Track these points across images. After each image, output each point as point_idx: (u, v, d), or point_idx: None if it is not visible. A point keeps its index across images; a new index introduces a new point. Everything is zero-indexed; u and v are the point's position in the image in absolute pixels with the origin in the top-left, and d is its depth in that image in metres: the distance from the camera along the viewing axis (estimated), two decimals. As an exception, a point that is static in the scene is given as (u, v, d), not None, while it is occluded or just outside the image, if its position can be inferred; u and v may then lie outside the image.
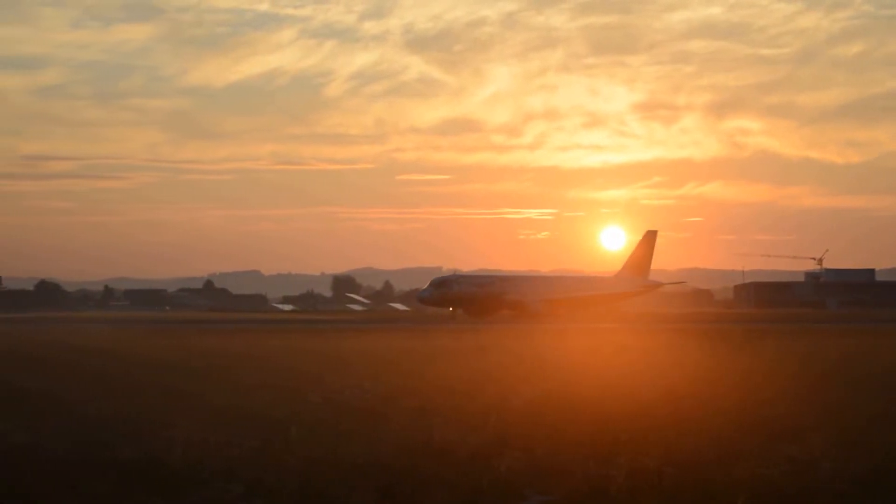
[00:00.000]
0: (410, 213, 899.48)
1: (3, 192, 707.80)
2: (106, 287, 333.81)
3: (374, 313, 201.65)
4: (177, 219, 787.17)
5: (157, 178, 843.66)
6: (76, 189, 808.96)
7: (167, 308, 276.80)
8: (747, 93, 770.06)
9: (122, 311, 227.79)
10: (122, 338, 60.62)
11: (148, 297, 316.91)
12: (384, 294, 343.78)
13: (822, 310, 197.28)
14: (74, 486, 14.32)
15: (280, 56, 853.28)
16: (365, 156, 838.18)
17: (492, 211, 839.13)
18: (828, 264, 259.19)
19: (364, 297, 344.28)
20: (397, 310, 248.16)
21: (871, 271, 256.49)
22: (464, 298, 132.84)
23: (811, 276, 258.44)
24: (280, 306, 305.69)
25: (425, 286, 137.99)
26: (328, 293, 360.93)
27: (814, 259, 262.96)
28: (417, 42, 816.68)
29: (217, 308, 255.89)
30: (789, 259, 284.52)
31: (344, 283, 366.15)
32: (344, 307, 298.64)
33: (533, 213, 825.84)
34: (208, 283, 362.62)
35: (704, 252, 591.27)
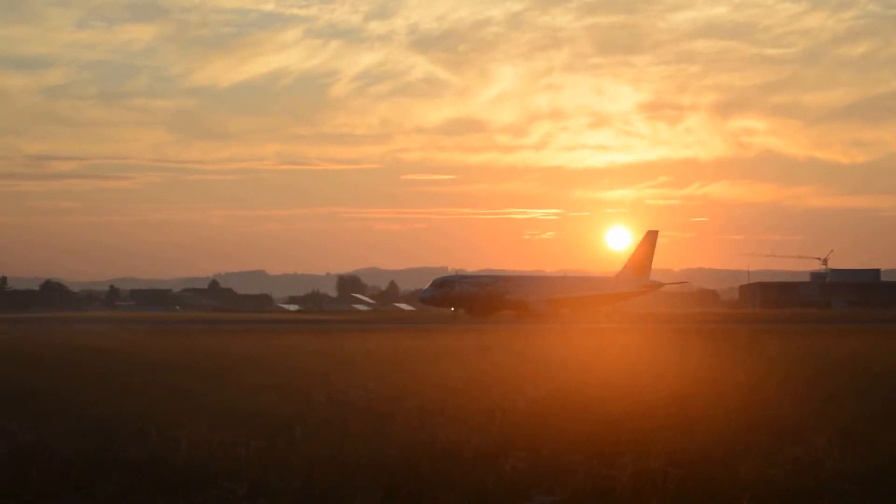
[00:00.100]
0: (415, 213, 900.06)
1: (8, 192, 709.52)
2: (111, 287, 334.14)
3: (380, 313, 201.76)
4: (182, 219, 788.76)
5: (162, 179, 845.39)
6: (81, 189, 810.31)
7: (178, 308, 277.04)
8: (753, 93, 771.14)
9: (128, 311, 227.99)
10: (127, 338, 60.66)
11: (153, 297, 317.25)
12: (389, 294, 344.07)
13: (828, 310, 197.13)
14: (79, 486, 14.34)
15: (285, 56, 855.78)
16: (370, 156, 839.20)
17: (497, 211, 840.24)
18: (833, 264, 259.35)
19: (369, 297, 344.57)
20: (402, 310, 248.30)
21: (877, 271, 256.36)
22: (465, 298, 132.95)
23: (817, 276, 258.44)
24: (285, 306, 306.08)
25: (426, 286, 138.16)
26: (333, 293, 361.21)
27: (819, 259, 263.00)
28: (422, 42, 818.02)
29: (222, 308, 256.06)
30: (795, 259, 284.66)
31: (349, 284, 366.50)
32: (349, 307, 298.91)
33: (538, 214, 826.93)
34: (213, 283, 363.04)
35: (710, 252, 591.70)
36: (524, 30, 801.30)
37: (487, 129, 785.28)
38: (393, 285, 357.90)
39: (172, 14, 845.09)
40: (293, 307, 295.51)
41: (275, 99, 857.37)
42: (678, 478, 14.42)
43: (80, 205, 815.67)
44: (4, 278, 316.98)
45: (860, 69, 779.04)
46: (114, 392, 25.98)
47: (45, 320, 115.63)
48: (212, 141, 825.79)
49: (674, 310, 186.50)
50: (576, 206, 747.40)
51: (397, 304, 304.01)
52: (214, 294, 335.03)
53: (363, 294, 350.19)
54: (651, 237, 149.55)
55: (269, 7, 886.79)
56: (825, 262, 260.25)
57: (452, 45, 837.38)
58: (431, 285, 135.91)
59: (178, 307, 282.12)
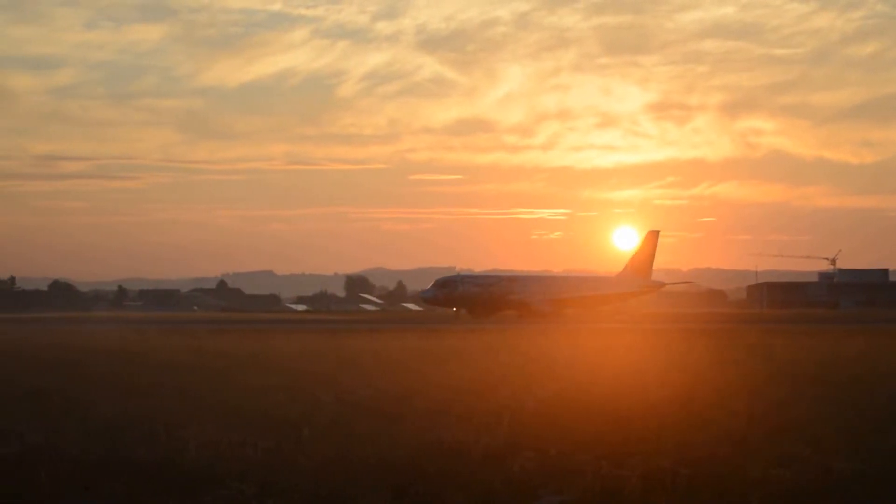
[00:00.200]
0: (423, 214, 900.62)
1: (16, 192, 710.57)
2: (119, 287, 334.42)
3: (387, 313, 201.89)
4: (189, 219, 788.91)
5: (170, 179, 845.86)
6: (89, 189, 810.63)
7: (195, 308, 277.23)
8: (761, 93, 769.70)
9: (139, 311, 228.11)
10: (136, 338, 60.72)
11: (161, 297, 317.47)
12: (397, 294, 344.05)
13: (836, 310, 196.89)
14: (88, 487, 14.37)
15: (293, 56, 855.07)
16: (377, 156, 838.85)
17: (504, 211, 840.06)
18: (841, 264, 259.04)
19: (377, 297, 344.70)
20: (410, 310, 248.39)
21: (885, 272, 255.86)
22: (466, 298, 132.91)
23: (825, 276, 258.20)
24: (293, 306, 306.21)
25: (428, 286, 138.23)
26: (341, 293, 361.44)
27: (827, 259, 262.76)
28: (430, 42, 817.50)
29: (230, 308, 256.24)
30: (803, 259, 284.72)
31: (357, 284, 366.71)
32: (357, 307, 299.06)
33: (546, 214, 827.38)
34: (221, 283, 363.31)
35: (718, 252, 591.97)
36: (532, 30, 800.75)
37: (495, 129, 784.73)
38: (401, 285, 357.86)
39: (180, 14, 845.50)
40: (301, 307, 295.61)
41: (282, 99, 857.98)
42: (687, 477, 14.42)
43: (88, 205, 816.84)
44: (13, 278, 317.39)
45: (869, 69, 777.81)
46: (122, 393, 26.01)
47: (54, 320, 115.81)
48: (219, 141, 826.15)
49: (681, 310, 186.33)
50: (584, 207, 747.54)
51: (405, 305, 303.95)
52: (223, 294, 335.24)
53: (371, 294, 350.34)
54: (652, 237, 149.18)
55: (277, 7, 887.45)
56: (833, 262, 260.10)
57: (460, 46, 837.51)
58: (433, 285, 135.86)
59: (195, 307, 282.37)
